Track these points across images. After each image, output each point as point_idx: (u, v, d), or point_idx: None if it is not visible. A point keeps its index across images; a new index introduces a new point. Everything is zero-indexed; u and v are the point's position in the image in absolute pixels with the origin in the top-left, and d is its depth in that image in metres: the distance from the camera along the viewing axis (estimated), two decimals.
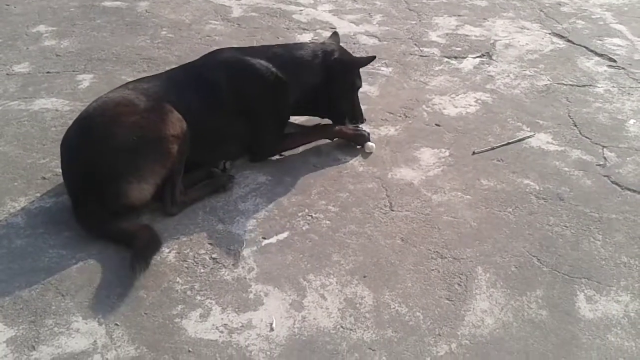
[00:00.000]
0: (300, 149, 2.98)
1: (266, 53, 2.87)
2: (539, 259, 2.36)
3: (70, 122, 2.59)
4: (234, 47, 3.03)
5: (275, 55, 2.85)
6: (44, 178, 2.72)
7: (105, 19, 4.46)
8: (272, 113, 2.84)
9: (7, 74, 3.65)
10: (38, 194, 2.63)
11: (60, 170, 2.55)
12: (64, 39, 4.12)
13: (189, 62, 2.93)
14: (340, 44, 3.17)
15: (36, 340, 1.98)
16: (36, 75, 3.64)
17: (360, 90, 3.13)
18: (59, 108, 3.28)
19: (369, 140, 3.01)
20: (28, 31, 4.24)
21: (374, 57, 3.06)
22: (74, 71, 3.70)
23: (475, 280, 2.25)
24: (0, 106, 3.30)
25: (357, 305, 2.14)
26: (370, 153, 2.98)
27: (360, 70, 3.07)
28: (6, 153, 2.89)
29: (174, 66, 3.02)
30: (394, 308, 2.13)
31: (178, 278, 2.23)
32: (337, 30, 3.45)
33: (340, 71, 2.94)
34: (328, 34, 3.68)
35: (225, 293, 2.18)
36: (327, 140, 3.05)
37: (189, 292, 2.17)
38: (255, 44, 3.90)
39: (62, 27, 4.31)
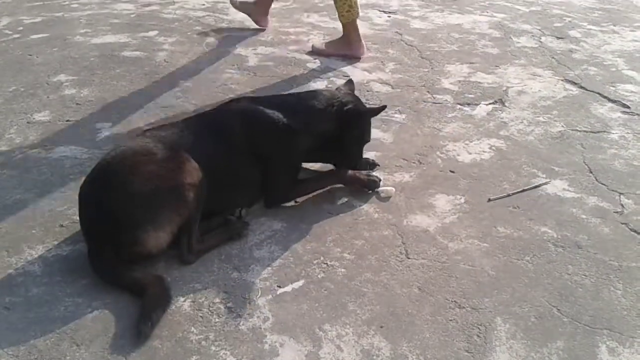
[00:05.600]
0: (315, 195, 2.99)
1: (279, 102, 2.92)
2: (558, 309, 2.31)
3: (89, 170, 2.62)
4: (249, 97, 3.08)
5: (288, 105, 2.90)
6: (62, 226, 2.74)
7: (124, 68, 4.57)
8: (285, 162, 2.88)
9: (28, 122, 3.73)
10: (55, 242, 2.65)
11: (78, 218, 2.57)
12: (84, 88, 4.21)
13: (205, 111, 2.98)
14: (355, 93, 3.21)
15: None
16: (56, 124, 3.71)
17: (374, 136, 3.15)
18: (78, 156, 3.33)
19: (380, 186, 3.01)
20: (49, 80, 4.35)
21: (384, 107, 3.07)
22: (93, 120, 3.77)
23: (495, 332, 2.21)
24: (20, 154, 3.36)
25: (374, 357, 2.10)
26: (389, 198, 2.98)
27: (374, 117, 3.10)
28: (25, 200, 2.93)
29: (191, 114, 3.08)
30: None
31: (193, 328, 2.21)
32: (351, 78, 3.50)
33: (353, 121, 2.95)
34: (342, 81, 3.74)
35: (240, 343, 2.15)
36: (341, 186, 3.05)
37: (203, 343, 2.15)
38: (270, 92, 3.96)
39: (82, 77, 4.42)
